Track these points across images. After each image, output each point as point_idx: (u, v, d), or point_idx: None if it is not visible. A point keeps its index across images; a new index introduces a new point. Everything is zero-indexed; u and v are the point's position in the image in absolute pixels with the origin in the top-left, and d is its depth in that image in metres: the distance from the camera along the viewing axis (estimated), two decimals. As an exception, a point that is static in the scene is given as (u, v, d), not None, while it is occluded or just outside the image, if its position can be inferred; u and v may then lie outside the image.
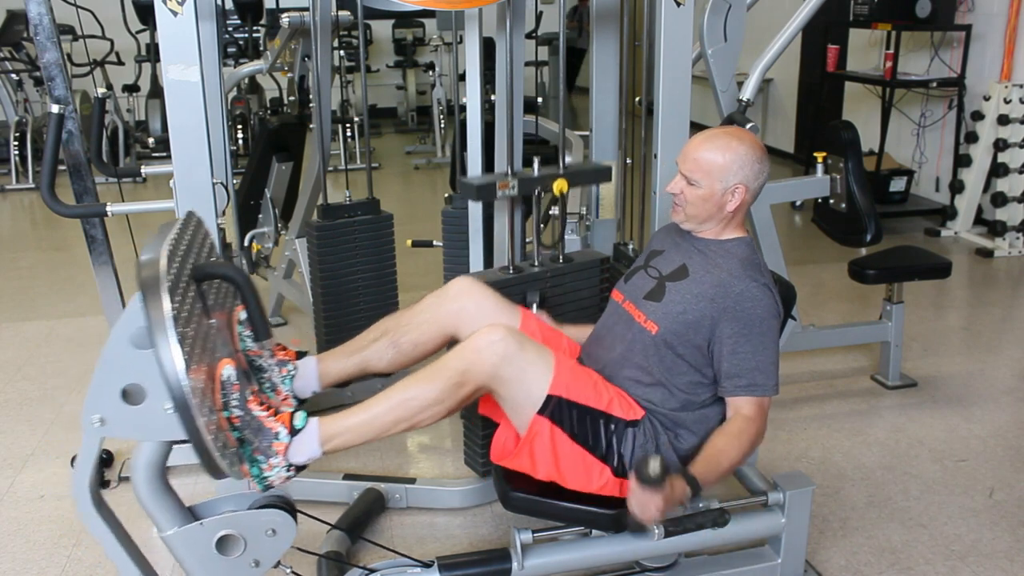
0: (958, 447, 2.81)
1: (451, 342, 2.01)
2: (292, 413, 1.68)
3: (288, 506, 1.66)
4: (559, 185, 2.27)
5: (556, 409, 1.78)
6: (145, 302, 1.42)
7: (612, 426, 1.82)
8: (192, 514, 1.63)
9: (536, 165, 2.33)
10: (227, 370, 1.57)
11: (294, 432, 1.66)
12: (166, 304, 1.41)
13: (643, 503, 1.66)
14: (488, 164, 2.63)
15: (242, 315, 1.82)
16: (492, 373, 1.74)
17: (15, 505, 2.54)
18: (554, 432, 1.79)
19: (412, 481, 2.50)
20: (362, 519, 2.35)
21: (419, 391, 1.74)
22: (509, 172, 2.33)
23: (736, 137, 1.90)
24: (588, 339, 2.08)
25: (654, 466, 1.62)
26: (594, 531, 1.95)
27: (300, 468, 1.69)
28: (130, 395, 1.47)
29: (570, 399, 1.79)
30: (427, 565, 1.88)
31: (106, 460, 2.66)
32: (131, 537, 1.68)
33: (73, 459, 2.67)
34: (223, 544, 1.62)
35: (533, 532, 1.90)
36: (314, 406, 2.23)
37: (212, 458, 1.47)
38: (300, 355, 1.99)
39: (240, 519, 1.62)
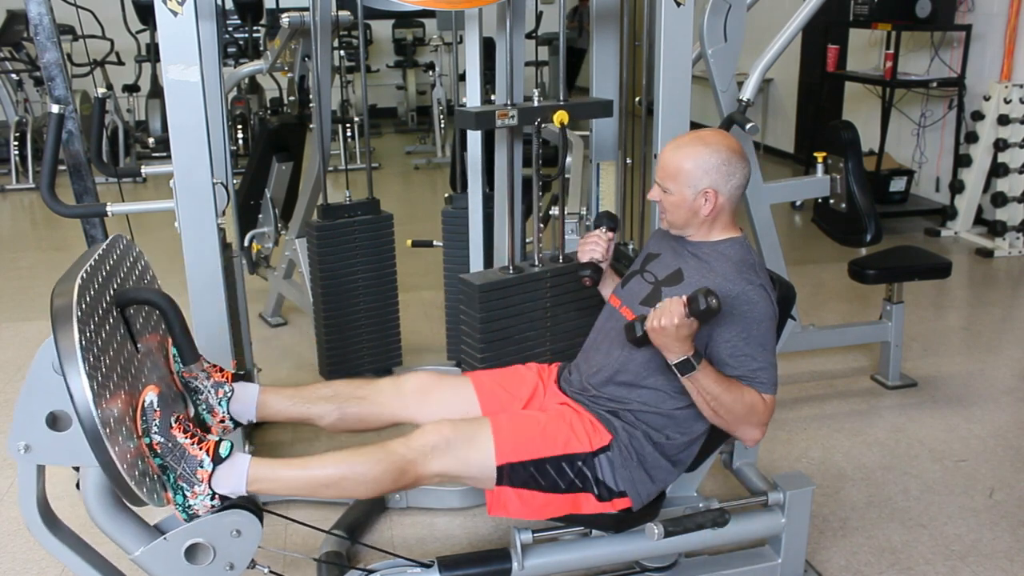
0: (958, 447, 2.81)
1: (398, 425, 2.02)
2: (217, 442, 1.65)
3: (251, 504, 1.65)
4: (559, 116, 2.23)
5: (511, 475, 1.79)
6: (55, 333, 1.41)
7: (577, 463, 1.81)
8: (157, 530, 1.62)
9: (536, 95, 2.31)
10: (149, 396, 1.57)
11: (218, 461, 1.63)
12: (75, 334, 1.40)
13: (669, 311, 1.67)
14: (488, 164, 2.63)
15: None
16: (436, 472, 1.76)
17: (15, 505, 2.53)
18: (520, 493, 1.79)
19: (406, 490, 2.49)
20: (362, 519, 2.35)
21: (361, 468, 1.73)
22: (509, 102, 2.30)
23: (703, 142, 1.88)
24: (585, 344, 2.08)
25: (714, 303, 1.64)
26: (594, 531, 1.95)
27: (224, 498, 1.65)
28: (58, 420, 1.46)
29: (521, 460, 1.79)
30: (427, 565, 1.88)
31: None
32: (93, 548, 1.67)
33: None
34: (192, 554, 1.61)
35: (533, 532, 1.90)
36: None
37: (127, 486, 1.46)
38: (237, 377, 1.96)
39: (202, 525, 1.61)
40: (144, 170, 2.62)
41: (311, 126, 3.29)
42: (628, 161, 2.91)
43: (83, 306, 1.45)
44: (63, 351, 1.39)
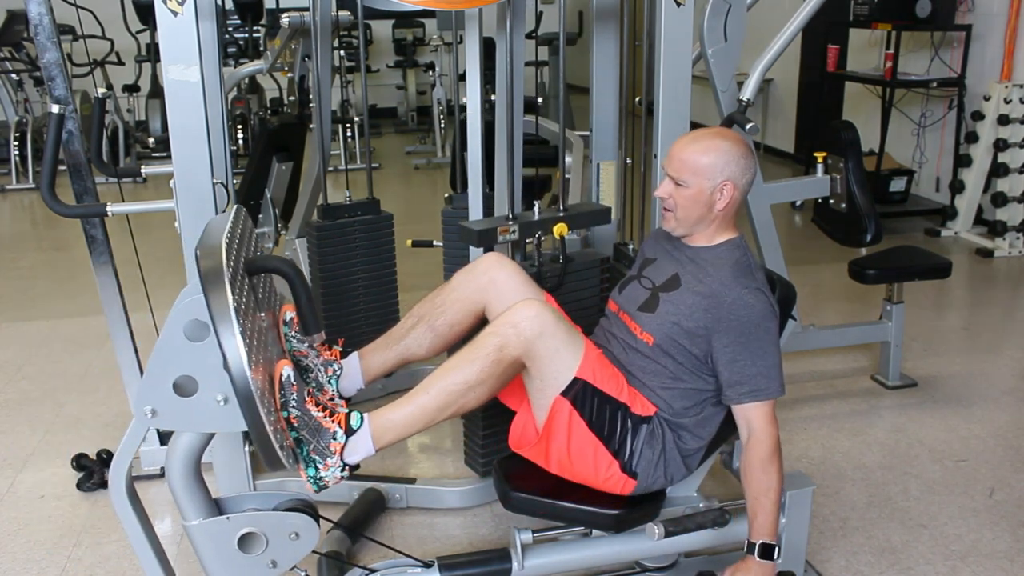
0: (958, 447, 2.81)
1: (484, 320, 2.00)
2: (348, 414, 1.68)
3: (313, 511, 1.66)
4: (559, 229, 2.29)
5: (579, 393, 1.79)
6: (207, 293, 1.42)
7: (627, 420, 1.83)
8: (219, 508, 1.64)
9: (537, 209, 2.33)
10: (286, 370, 1.58)
11: (350, 432, 1.67)
12: (229, 295, 1.41)
13: None
14: (488, 165, 2.63)
15: (287, 315, 1.82)
16: (527, 348, 1.73)
17: (15, 505, 2.54)
18: (572, 416, 1.79)
19: (412, 481, 2.50)
20: (362, 519, 2.35)
21: (460, 375, 1.73)
22: (510, 216, 2.33)
23: (720, 135, 1.90)
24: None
25: None
26: (594, 531, 1.95)
27: (354, 468, 1.69)
28: (181, 387, 1.48)
29: (595, 384, 1.80)
30: (427, 565, 1.88)
31: (107, 460, 2.66)
32: (156, 534, 1.70)
33: (73, 459, 2.67)
34: (244, 541, 1.62)
35: (533, 532, 1.90)
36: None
37: (273, 448, 1.48)
38: (344, 354, 1.99)
39: (266, 519, 1.62)
40: (144, 170, 2.62)
41: (311, 126, 3.29)
42: (628, 161, 2.91)
43: (230, 268, 1.46)
44: (216, 311, 1.40)
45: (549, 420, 1.81)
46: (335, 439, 1.65)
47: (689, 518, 1.90)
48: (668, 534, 1.86)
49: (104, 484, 2.58)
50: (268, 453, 1.50)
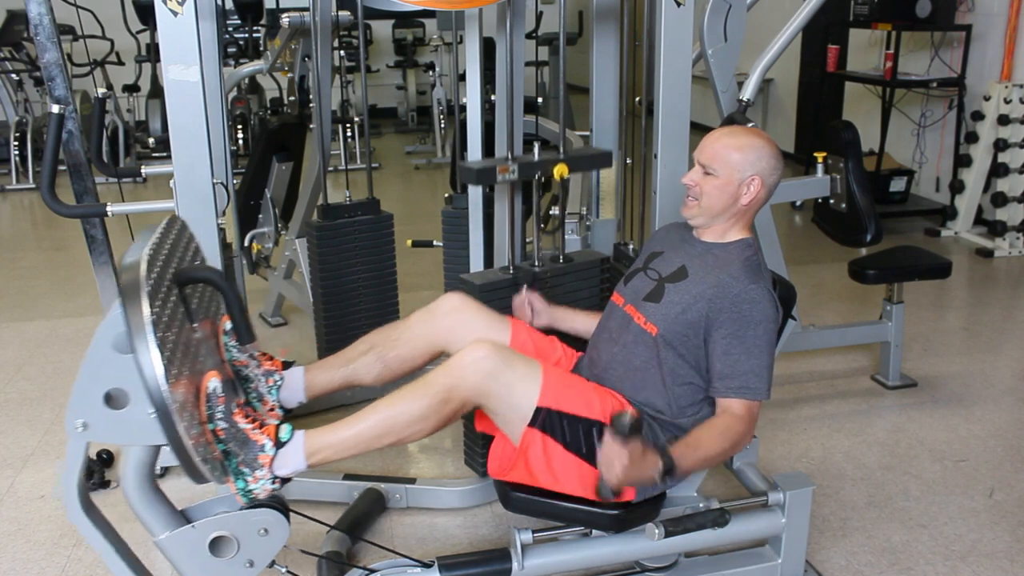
0: (958, 447, 2.81)
1: (440, 356, 2.01)
2: (278, 426, 1.67)
3: (281, 505, 1.66)
4: (559, 170, 2.25)
5: (546, 420, 1.78)
6: (125, 307, 1.42)
7: (605, 434, 1.81)
8: (184, 517, 1.63)
9: (536, 150, 2.32)
10: (213, 383, 1.57)
11: (279, 445, 1.65)
12: (145, 309, 1.40)
13: (609, 456, 1.64)
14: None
15: (227, 325, 1.80)
16: (478, 390, 1.75)
17: (15, 505, 2.54)
18: (546, 443, 1.79)
19: (412, 481, 2.50)
20: (362, 519, 2.35)
21: (405, 407, 1.73)
22: (509, 156, 2.31)
23: (755, 134, 1.95)
24: (589, 343, 2.08)
25: (626, 417, 1.62)
26: (594, 531, 1.95)
27: (285, 480, 1.68)
28: (113, 399, 1.47)
29: (560, 410, 1.79)
30: (427, 565, 1.88)
31: (107, 460, 2.67)
32: (122, 538, 1.68)
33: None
34: (216, 545, 1.62)
35: (533, 532, 1.90)
36: (312, 407, 2.24)
37: (193, 463, 1.47)
38: (287, 365, 1.98)
39: (232, 520, 1.62)
40: (144, 170, 2.62)
41: (311, 126, 3.29)
42: (628, 161, 2.91)
43: (151, 281, 1.46)
44: (133, 326, 1.40)
45: (523, 449, 1.80)
46: (263, 451, 1.64)
47: (689, 518, 1.90)
48: (668, 534, 1.86)
49: (104, 484, 2.58)
50: (189, 467, 1.49)
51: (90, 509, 1.63)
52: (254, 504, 1.64)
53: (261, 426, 1.66)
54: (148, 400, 1.42)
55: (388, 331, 2.05)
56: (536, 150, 2.31)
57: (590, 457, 1.80)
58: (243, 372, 1.87)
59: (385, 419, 1.73)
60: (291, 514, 1.81)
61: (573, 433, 1.79)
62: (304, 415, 2.56)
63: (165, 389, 1.40)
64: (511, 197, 2.40)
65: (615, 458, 1.63)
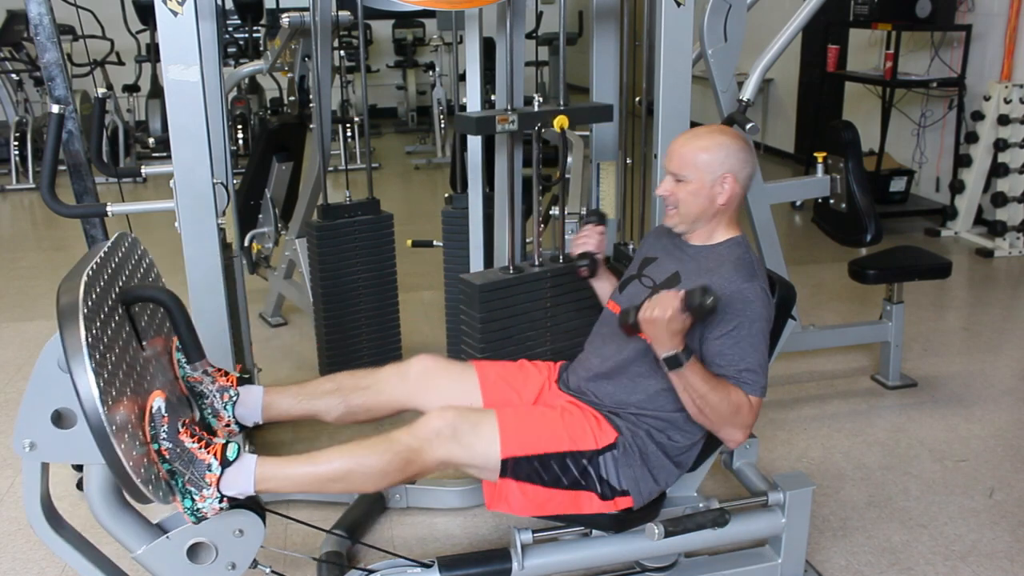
0: (958, 447, 2.81)
1: (405, 412, 2.02)
2: (224, 445, 1.66)
3: (254, 504, 1.66)
4: (560, 121, 2.23)
5: (515, 468, 1.78)
6: (61, 329, 1.41)
7: (582, 460, 1.81)
8: (160, 529, 1.63)
9: (536, 101, 2.31)
10: (157, 402, 1.57)
11: (225, 464, 1.64)
12: (82, 331, 1.39)
13: (661, 300, 1.70)
14: (488, 164, 2.63)
15: (179, 343, 1.79)
16: (441, 458, 1.76)
17: (15, 505, 2.54)
18: (523, 488, 1.79)
19: (412, 481, 2.49)
20: (362, 519, 2.35)
21: (367, 460, 1.73)
22: (509, 107, 2.30)
23: (718, 131, 1.93)
24: (584, 349, 2.08)
25: (708, 299, 1.67)
26: (594, 531, 1.95)
27: (233, 500, 1.66)
28: (63, 418, 1.46)
29: (525, 454, 1.79)
30: (427, 565, 1.88)
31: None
32: (96, 547, 1.67)
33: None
34: (195, 553, 1.61)
35: (533, 532, 1.90)
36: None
37: (133, 484, 1.46)
38: (243, 381, 1.97)
39: (205, 526, 1.61)
40: (144, 170, 2.62)
41: (311, 126, 3.29)
42: (628, 161, 2.91)
43: (89, 303, 1.45)
44: (69, 348, 1.39)
45: (505, 499, 1.81)
46: (210, 470, 1.62)
47: (689, 518, 1.90)
48: (668, 534, 1.86)
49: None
50: (129, 487, 1.48)
51: (58, 525, 1.62)
52: (234, 505, 1.64)
53: (207, 445, 1.64)
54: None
55: (358, 378, 2.04)
56: (536, 102, 2.29)
57: (572, 486, 1.80)
58: (197, 388, 1.86)
59: (343, 466, 1.73)
60: (283, 517, 1.82)
61: (547, 471, 1.80)
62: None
63: (102, 411, 1.39)
64: (511, 194, 2.39)
65: (664, 303, 1.69)
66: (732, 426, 1.78)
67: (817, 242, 4.13)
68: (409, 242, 3.32)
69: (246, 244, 3.49)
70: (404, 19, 8.82)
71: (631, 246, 2.71)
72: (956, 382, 3.28)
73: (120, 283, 1.64)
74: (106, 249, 1.66)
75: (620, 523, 1.88)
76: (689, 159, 1.89)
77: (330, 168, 3.46)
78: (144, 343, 1.66)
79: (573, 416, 1.88)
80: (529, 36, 7.44)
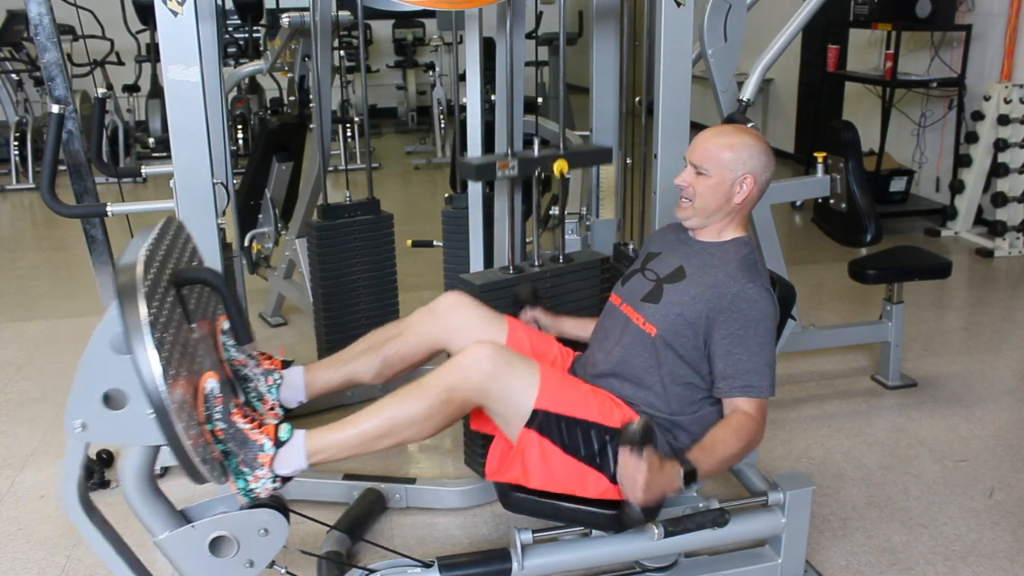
0: (958, 447, 2.81)
1: (438, 354, 2.02)
2: (277, 425, 1.67)
3: (280, 505, 1.66)
4: (559, 166, 2.25)
5: (543, 422, 1.78)
6: (122, 308, 1.42)
7: (604, 435, 1.81)
8: (184, 517, 1.63)
9: (536, 145, 2.31)
10: (210, 383, 1.57)
11: (279, 444, 1.66)
12: (142, 309, 1.40)
13: (629, 473, 1.63)
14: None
15: (225, 324, 1.80)
16: (478, 390, 1.75)
17: (15, 505, 2.54)
18: (543, 444, 1.79)
19: (412, 481, 2.50)
20: (362, 519, 2.35)
21: (407, 407, 1.74)
22: (509, 152, 2.31)
23: (745, 132, 1.95)
24: (589, 342, 2.08)
25: (635, 426, 1.62)
26: (594, 531, 1.95)
27: (286, 480, 1.68)
28: (112, 400, 1.47)
29: (556, 412, 1.79)
30: (427, 565, 1.88)
31: (107, 460, 2.66)
32: (123, 539, 1.68)
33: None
34: (216, 545, 1.62)
35: (533, 532, 1.90)
36: (312, 407, 2.24)
37: (192, 463, 1.47)
38: (286, 364, 1.98)
39: (232, 520, 1.62)
40: (144, 170, 2.62)
41: (311, 126, 3.29)
42: (628, 161, 2.91)
43: (147, 282, 1.46)
44: (130, 327, 1.40)
45: (521, 451, 1.81)
46: (263, 451, 1.64)
47: (689, 518, 1.90)
48: (668, 534, 1.86)
49: (104, 484, 2.58)
50: (188, 467, 1.49)
51: (90, 509, 1.63)
52: (255, 504, 1.64)
53: (260, 426, 1.66)
54: (146, 401, 1.42)
55: (388, 329, 2.07)
56: (536, 146, 2.31)
57: (588, 459, 1.80)
58: (242, 372, 1.87)
59: (387, 419, 1.73)
60: (291, 514, 1.81)
61: (570, 435, 1.79)
62: (304, 415, 2.56)
63: (163, 390, 1.40)
64: (511, 195, 2.39)
65: (635, 473, 1.62)
66: (751, 443, 1.81)
67: (817, 242, 4.13)
68: (409, 242, 3.32)
69: (246, 244, 3.49)
70: (404, 19, 8.81)
71: (631, 246, 2.71)
72: (956, 382, 3.28)
73: (171, 265, 1.65)
74: (157, 232, 1.67)
75: (620, 523, 1.87)
76: (713, 154, 1.90)
77: (330, 168, 3.46)
78: (193, 325, 1.67)
79: (599, 394, 1.88)
80: (529, 36, 7.43)
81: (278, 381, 1.92)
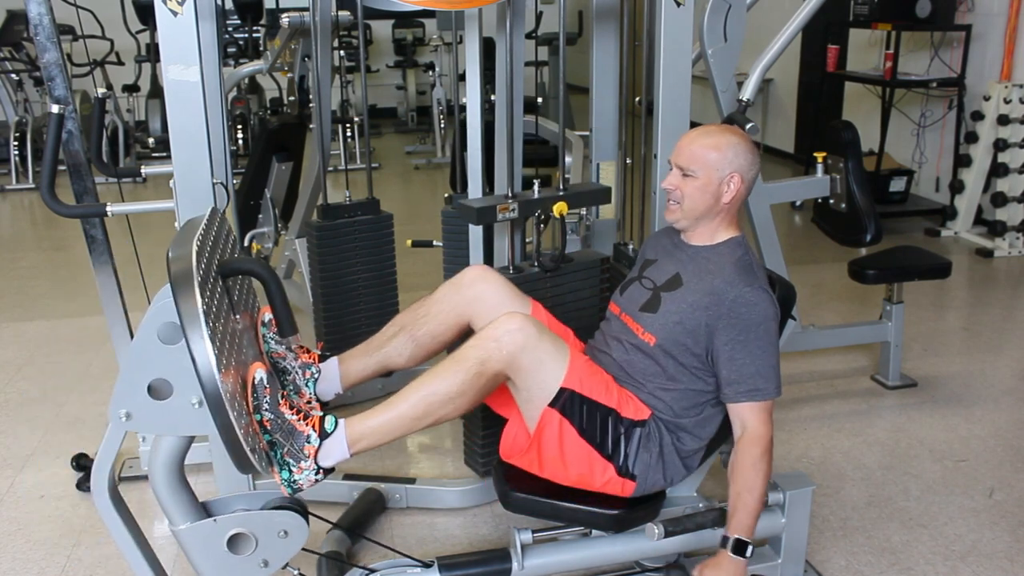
0: (958, 447, 2.81)
1: (467, 332, 2.02)
2: (322, 417, 1.69)
3: (301, 508, 1.66)
4: (559, 208, 2.28)
5: (567, 402, 1.79)
6: (176, 297, 1.42)
7: (620, 425, 1.83)
8: (205, 510, 1.64)
9: (536, 187, 2.33)
10: (259, 373, 1.58)
11: (324, 436, 1.67)
12: (198, 299, 1.41)
13: None
14: (488, 166, 2.63)
15: (265, 316, 1.82)
16: (510, 362, 1.74)
17: (15, 505, 2.54)
18: (563, 425, 1.79)
19: (412, 481, 2.50)
20: (362, 519, 2.35)
21: (441, 385, 1.74)
22: (509, 194, 2.33)
23: (729, 131, 1.94)
24: (587, 347, 2.08)
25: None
26: (594, 531, 1.95)
27: (328, 471, 1.70)
28: (155, 390, 1.48)
29: (582, 393, 1.80)
30: (427, 565, 1.88)
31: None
32: (143, 534, 1.70)
33: (73, 459, 2.68)
34: (234, 542, 1.62)
35: (533, 532, 1.90)
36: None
37: (243, 452, 1.48)
38: (323, 358, 2.00)
39: (254, 519, 1.62)
40: (144, 170, 2.62)
41: (311, 126, 3.29)
42: (628, 161, 2.91)
43: (200, 272, 1.46)
44: (185, 316, 1.40)
45: (539, 430, 1.81)
46: (309, 442, 1.65)
47: (689, 518, 1.90)
48: (668, 534, 1.86)
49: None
50: (239, 457, 1.49)
51: (116, 499, 1.64)
52: (277, 505, 1.64)
53: (305, 417, 1.67)
54: (196, 390, 1.42)
55: (415, 310, 2.06)
56: (536, 187, 2.32)
57: (601, 447, 1.81)
58: (280, 364, 1.88)
59: (422, 399, 1.73)
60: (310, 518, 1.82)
61: (590, 419, 1.80)
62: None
63: (218, 379, 1.40)
64: (511, 235, 2.40)
65: None
66: (768, 453, 1.81)
67: (817, 242, 4.13)
68: (409, 242, 3.32)
69: (246, 244, 3.49)
70: (404, 19, 8.81)
71: (631, 246, 2.71)
72: (956, 382, 3.28)
73: (217, 256, 1.65)
74: (205, 222, 1.67)
75: (620, 523, 1.88)
76: (699, 155, 1.89)
77: (330, 168, 3.46)
78: (237, 316, 1.67)
79: (617, 386, 1.89)
80: (529, 36, 7.43)
81: (316, 375, 1.93)
